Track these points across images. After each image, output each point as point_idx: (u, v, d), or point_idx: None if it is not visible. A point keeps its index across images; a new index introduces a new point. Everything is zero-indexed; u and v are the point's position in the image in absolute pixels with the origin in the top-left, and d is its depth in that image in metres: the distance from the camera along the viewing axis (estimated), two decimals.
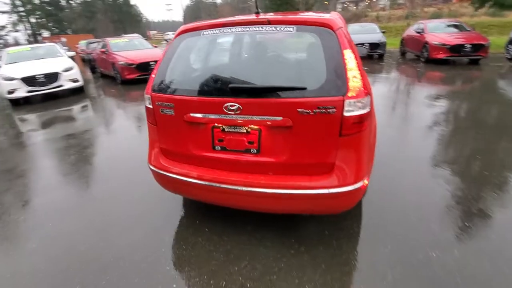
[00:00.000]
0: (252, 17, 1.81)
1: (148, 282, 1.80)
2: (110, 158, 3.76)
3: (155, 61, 9.24)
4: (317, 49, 1.63)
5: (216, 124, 1.78)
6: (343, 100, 1.55)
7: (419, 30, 10.29)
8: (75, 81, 7.81)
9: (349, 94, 1.55)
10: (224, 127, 1.77)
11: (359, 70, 1.61)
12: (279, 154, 1.72)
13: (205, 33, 1.87)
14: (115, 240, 2.18)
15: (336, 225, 2.20)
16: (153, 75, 1.99)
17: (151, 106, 1.97)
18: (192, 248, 2.06)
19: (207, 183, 1.85)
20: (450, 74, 8.06)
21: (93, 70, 12.31)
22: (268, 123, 1.66)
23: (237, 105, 1.66)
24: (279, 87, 1.60)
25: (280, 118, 1.62)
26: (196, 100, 1.77)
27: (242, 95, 1.65)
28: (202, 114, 1.78)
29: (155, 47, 11.13)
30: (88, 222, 2.42)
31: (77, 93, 8.05)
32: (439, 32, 9.65)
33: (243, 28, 1.78)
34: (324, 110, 1.57)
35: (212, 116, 1.76)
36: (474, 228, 2.08)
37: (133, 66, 9.03)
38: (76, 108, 6.79)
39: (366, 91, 1.60)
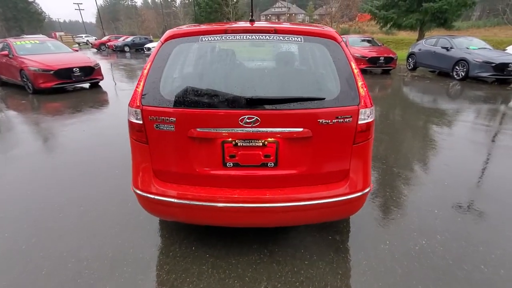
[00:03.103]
0: (261, 24, 1.73)
1: None
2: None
3: (80, 68, 8.07)
4: (327, 60, 1.68)
5: (227, 139, 1.64)
6: (358, 110, 1.62)
7: None
8: None
9: (362, 104, 1.63)
10: (237, 141, 1.64)
11: (363, 81, 1.71)
12: (298, 166, 1.69)
13: (204, 39, 1.70)
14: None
15: (334, 229, 2.27)
16: (139, 86, 1.71)
17: (140, 122, 1.69)
18: (198, 279, 1.82)
19: (218, 204, 1.68)
20: (370, 82, 9.38)
21: None
22: (287, 135, 1.61)
23: (255, 117, 1.56)
24: (300, 97, 1.57)
25: (300, 129, 1.59)
26: (205, 113, 1.59)
27: (261, 106, 1.57)
28: (212, 129, 1.61)
29: (76, 50, 9.67)
30: None
31: None
32: (358, 46, 11.18)
33: (248, 35, 1.69)
34: (342, 120, 1.61)
35: (224, 130, 1.61)
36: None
37: (50, 72, 7.64)
38: None
39: (371, 100, 1.71)
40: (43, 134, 4.77)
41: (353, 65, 1.69)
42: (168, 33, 1.78)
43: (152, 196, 1.76)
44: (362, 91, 1.66)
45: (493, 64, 8.38)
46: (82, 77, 8.15)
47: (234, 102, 1.57)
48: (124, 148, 3.94)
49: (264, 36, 1.69)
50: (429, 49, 10.58)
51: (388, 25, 15.64)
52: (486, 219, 2.41)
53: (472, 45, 9.81)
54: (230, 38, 1.69)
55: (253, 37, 1.69)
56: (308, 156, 1.67)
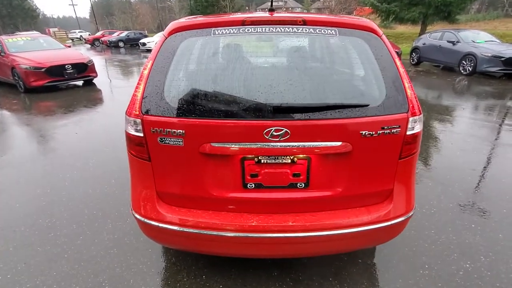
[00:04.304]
0: (285, 14, 1.43)
1: None
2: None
3: (73, 64, 7.68)
4: (368, 58, 1.38)
5: (248, 155, 1.34)
6: (408, 118, 1.33)
7: None
8: None
9: (412, 111, 1.34)
10: (260, 158, 1.34)
11: (410, 82, 1.42)
12: (333, 186, 1.40)
13: (217, 32, 1.39)
14: None
15: (363, 250, 2.00)
16: (139, 90, 1.40)
17: (141, 134, 1.38)
18: None
19: (237, 234, 1.38)
20: None
21: None
22: (323, 150, 1.31)
23: (284, 129, 1.26)
24: (339, 104, 1.27)
25: (338, 143, 1.30)
26: (221, 124, 1.29)
27: (290, 116, 1.27)
28: (230, 144, 1.31)
29: (69, 46, 9.25)
30: None
31: None
32: None
33: (271, 28, 1.39)
34: (388, 131, 1.32)
35: (245, 146, 1.31)
36: None
37: (42, 70, 7.26)
38: None
39: (419, 106, 1.42)
40: (33, 138, 4.44)
41: (398, 64, 1.39)
42: (173, 24, 1.47)
43: (156, 224, 1.46)
44: (410, 95, 1.37)
45: (503, 59, 8.10)
46: (75, 74, 7.78)
47: (257, 111, 1.27)
48: (120, 153, 3.62)
49: (290, 29, 1.38)
50: (434, 43, 10.28)
51: (390, 19, 15.27)
52: None
53: (479, 38, 9.52)
54: (250, 30, 1.39)
55: (278, 29, 1.38)
56: (345, 174, 1.38)
